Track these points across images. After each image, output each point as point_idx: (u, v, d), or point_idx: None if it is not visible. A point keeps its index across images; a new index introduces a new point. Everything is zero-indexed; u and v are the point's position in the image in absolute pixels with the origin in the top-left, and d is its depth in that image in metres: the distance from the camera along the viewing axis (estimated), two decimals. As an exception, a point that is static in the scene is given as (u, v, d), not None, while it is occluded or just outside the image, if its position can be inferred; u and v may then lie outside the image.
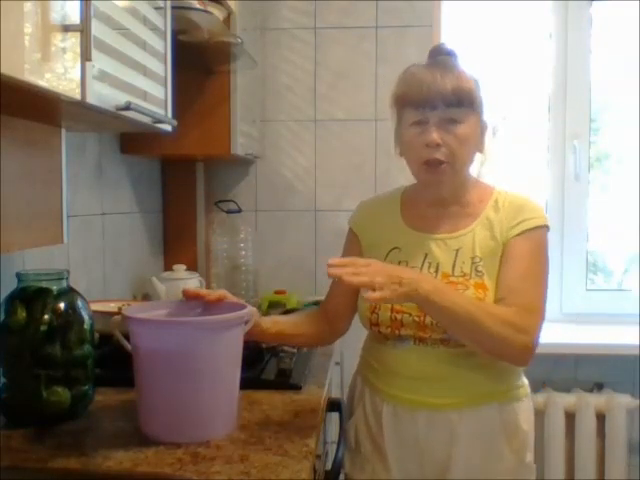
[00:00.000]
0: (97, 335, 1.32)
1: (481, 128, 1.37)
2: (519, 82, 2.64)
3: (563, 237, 2.62)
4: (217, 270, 2.45)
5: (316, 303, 2.36)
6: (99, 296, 1.85)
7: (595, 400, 2.42)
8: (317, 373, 1.58)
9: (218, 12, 1.82)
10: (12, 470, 1.04)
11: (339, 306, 1.49)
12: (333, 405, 1.54)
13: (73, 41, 0.92)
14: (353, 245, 1.50)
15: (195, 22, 1.67)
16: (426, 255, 1.39)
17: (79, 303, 1.25)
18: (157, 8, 1.33)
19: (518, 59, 2.64)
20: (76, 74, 0.94)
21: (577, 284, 2.64)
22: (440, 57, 1.38)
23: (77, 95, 0.95)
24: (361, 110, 2.55)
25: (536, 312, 1.30)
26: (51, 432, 1.17)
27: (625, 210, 2.64)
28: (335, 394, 1.82)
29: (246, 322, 1.22)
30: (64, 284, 1.25)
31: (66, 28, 0.90)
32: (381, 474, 1.41)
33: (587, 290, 2.66)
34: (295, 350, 1.63)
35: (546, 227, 1.37)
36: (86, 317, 1.26)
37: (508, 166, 2.70)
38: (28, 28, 0.81)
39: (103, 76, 1.05)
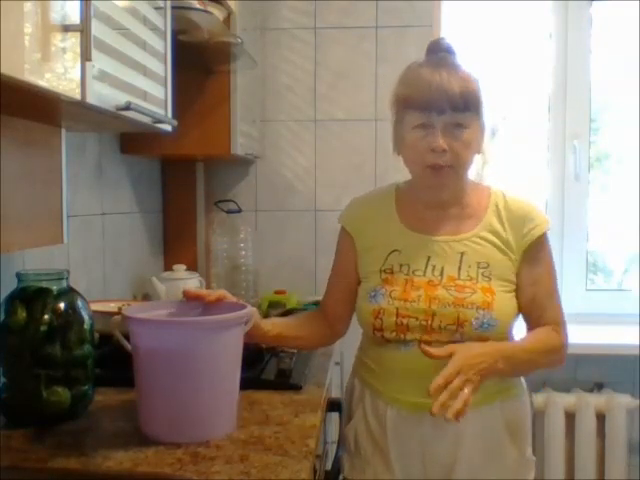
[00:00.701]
0: (97, 335, 1.32)
1: (481, 130, 1.37)
2: (519, 82, 2.65)
3: (563, 237, 2.62)
4: (217, 270, 2.45)
5: (316, 303, 2.36)
6: (99, 296, 1.85)
7: (595, 400, 2.42)
8: (317, 373, 1.58)
9: (218, 12, 1.82)
10: (12, 470, 1.04)
11: (338, 307, 1.48)
12: (333, 405, 1.54)
13: (73, 41, 0.92)
14: (348, 247, 1.47)
15: (195, 22, 1.67)
16: (429, 258, 1.37)
17: (79, 303, 1.25)
18: (157, 8, 1.33)
19: (518, 59, 2.64)
20: (76, 74, 0.94)
21: (577, 284, 2.64)
22: (441, 54, 1.36)
23: (77, 95, 0.95)
24: (361, 110, 2.55)
25: (564, 320, 1.41)
26: (51, 432, 1.17)
27: (625, 210, 2.64)
28: (335, 394, 1.82)
29: (246, 322, 1.22)
30: (64, 284, 1.25)
31: (66, 28, 0.90)
32: (383, 476, 1.40)
33: (587, 290, 2.66)
34: (295, 350, 1.62)
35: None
36: (86, 317, 1.26)
37: (508, 166, 2.70)
38: (28, 28, 0.81)
39: (103, 76, 1.05)
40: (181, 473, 1.02)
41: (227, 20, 1.97)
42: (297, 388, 1.43)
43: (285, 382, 1.45)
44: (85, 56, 0.94)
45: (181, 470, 1.03)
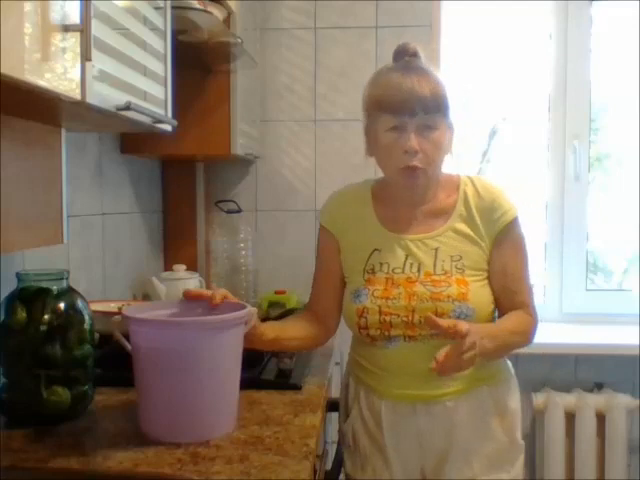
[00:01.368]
0: (97, 335, 1.32)
1: (450, 130, 1.41)
2: (519, 82, 2.64)
3: (563, 237, 2.62)
4: (217, 270, 2.45)
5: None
6: (99, 296, 1.85)
7: (595, 400, 2.42)
8: (317, 373, 1.58)
9: (218, 12, 1.82)
10: (12, 470, 1.04)
11: (327, 305, 1.50)
12: (333, 405, 1.54)
13: (73, 41, 0.92)
14: (331, 246, 1.50)
15: (195, 22, 1.67)
16: (407, 256, 1.42)
17: (79, 303, 1.26)
18: (157, 8, 1.33)
19: (518, 59, 2.64)
20: (76, 74, 0.94)
21: (577, 284, 2.64)
22: (408, 58, 1.40)
23: (77, 95, 0.95)
24: (361, 110, 2.54)
25: (533, 302, 1.45)
26: (51, 432, 1.17)
27: (625, 210, 2.64)
28: (335, 394, 1.82)
29: (246, 322, 1.22)
30: (64, 284, 1.25)
31: (66, 28, 0.89)
32: (382, 473, 1.43)
33: (587, 290, 2.66)
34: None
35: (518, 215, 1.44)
36: (86, 317, 1.26)
37: (508, 166, 2.70)
38: (28, 28, 0.81)
39: (103, 76, 1.05)
40: (181, 473, 1.02)
41: (227, 20, 1.97)
42: (297, 388, 1.43)
43: (285, 382, 1.45)
44: (85, 56, 0.94)
45: (181, 470, 1.03)
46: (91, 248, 1.88)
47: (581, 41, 2.58)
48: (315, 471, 1.21)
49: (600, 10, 2.60)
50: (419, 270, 1.39)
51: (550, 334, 2.38)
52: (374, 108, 1.41)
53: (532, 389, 2.47)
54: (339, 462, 1.53)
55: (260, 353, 1.57)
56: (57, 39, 0.88)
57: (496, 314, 1.45)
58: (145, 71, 1.27)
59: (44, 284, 1.22)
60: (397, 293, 1.38)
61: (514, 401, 1.47)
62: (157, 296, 2.03)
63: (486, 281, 1.41)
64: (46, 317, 1.20)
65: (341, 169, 2.56)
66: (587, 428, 2.41)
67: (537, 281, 2.56)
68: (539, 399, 2.43)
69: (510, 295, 1.42)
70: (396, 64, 1.41)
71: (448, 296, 1.36)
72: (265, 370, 1.52)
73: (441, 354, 1.19)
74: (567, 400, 2.43)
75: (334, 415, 1.57)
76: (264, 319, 1.79)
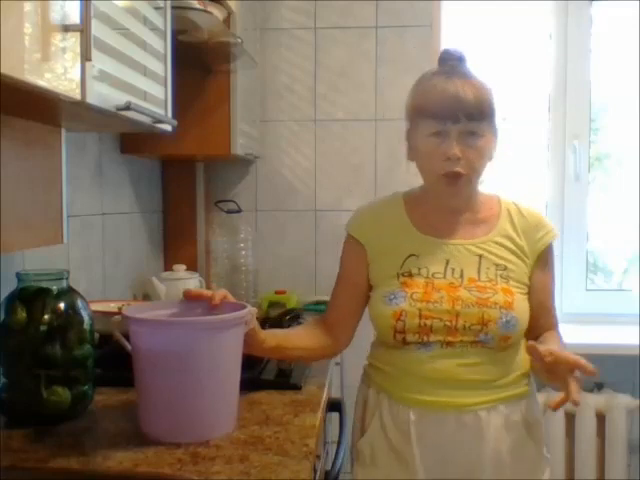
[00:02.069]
0: (97, 335, 1.32)
1: (494, 138, 1.38)
2: (519, 82, 2.64)
3: (563, 237, 2.62)
4: (217, 270, 2.46)
5: (316, 303, 2.37)
6: (99, 296, 1.85)
7: (595, 400, 2.42)
8: (317, 373, 1.57)
9: (218, 12, 1.82)
10: (12, 470, 1.04)
11: (342, 316, 1.46)
12: (333, 405, 1.54)
13: (73, 41, 0.92)
14: (357, 255, 1.44)
15: (195, 22, 1.67)
16: (447, 261, 1.38)
17: (79, 303, 1.25)
18: (157, 8, 1.33)
19: (518, 59, 2.64)
20: (76, 74, 0.94)
21: (577, 284, 2.64)
22: (453, 62, 1.37)
23: (77, 95, 0.95)
24: (361, 110, 2.55)
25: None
26: (51, 432, 1.17)
27: (625, 210, 2.64)
28: (335, 394, 1.82)
29: (246, 322, 1.22)
30: (64, 284, 1.25)
31: (66, 28, 0.89)
32: None
33: (587, 290, 2.66)
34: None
35: None
36: (86, 317, 1.26)
37: (508, 166, 2.70)
38: (28, 28, 0.81)
39: (103, 76, 1.05)
40: (181, 473, 1.02)
41: (227, 20, 1.97)
42: (297, 388, 1.43)
43: (285, 382, 1.45)
44: (85, 56, 0.94)
45: (181, 470, 1.03)
46: (91, 248, 1.88)
47: (581, 41, 2.58)
48: (315, 471, 1.21)
49: (600, 10, 2.60)
50: (462, 276, 1.36)
51: (550, 334, 2.38)
52: (416, 113, 1.37)
53: (532, 389, 2.46)
54: (339, 462, 1.52)
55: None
56: (57, 39, 0.88)
57: None
58: (145, 71, 1.27)
59: (44, 284, 1.22)
60: (439, 297, 1.33)
61: (540, 415, 1.47)
62: (157, 296, 2.03)
63: (527, 296, 1.40)
64: (46, 317, 1.20)
65: (341, 169, 2.56)
66: (587, 428, 2.41)
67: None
68: (539, 399, 2.42)
69: (545, 313, 1.43)
70: (440, 69, 1.38)
71: (495, 303, 1.32)
72: (265, 370, 1.52)
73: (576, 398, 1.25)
74: (567, 400, 2.43)
75: (334, 415, 1.57)
76: (264, 319, 1.79)
